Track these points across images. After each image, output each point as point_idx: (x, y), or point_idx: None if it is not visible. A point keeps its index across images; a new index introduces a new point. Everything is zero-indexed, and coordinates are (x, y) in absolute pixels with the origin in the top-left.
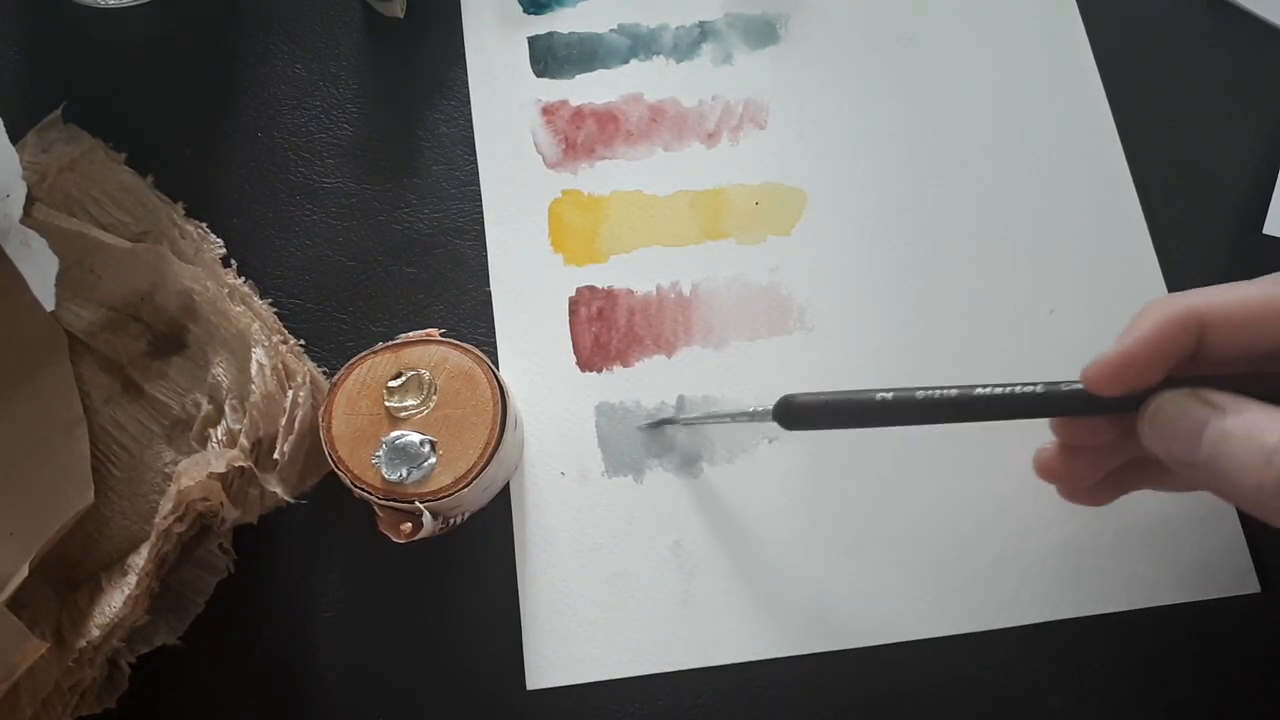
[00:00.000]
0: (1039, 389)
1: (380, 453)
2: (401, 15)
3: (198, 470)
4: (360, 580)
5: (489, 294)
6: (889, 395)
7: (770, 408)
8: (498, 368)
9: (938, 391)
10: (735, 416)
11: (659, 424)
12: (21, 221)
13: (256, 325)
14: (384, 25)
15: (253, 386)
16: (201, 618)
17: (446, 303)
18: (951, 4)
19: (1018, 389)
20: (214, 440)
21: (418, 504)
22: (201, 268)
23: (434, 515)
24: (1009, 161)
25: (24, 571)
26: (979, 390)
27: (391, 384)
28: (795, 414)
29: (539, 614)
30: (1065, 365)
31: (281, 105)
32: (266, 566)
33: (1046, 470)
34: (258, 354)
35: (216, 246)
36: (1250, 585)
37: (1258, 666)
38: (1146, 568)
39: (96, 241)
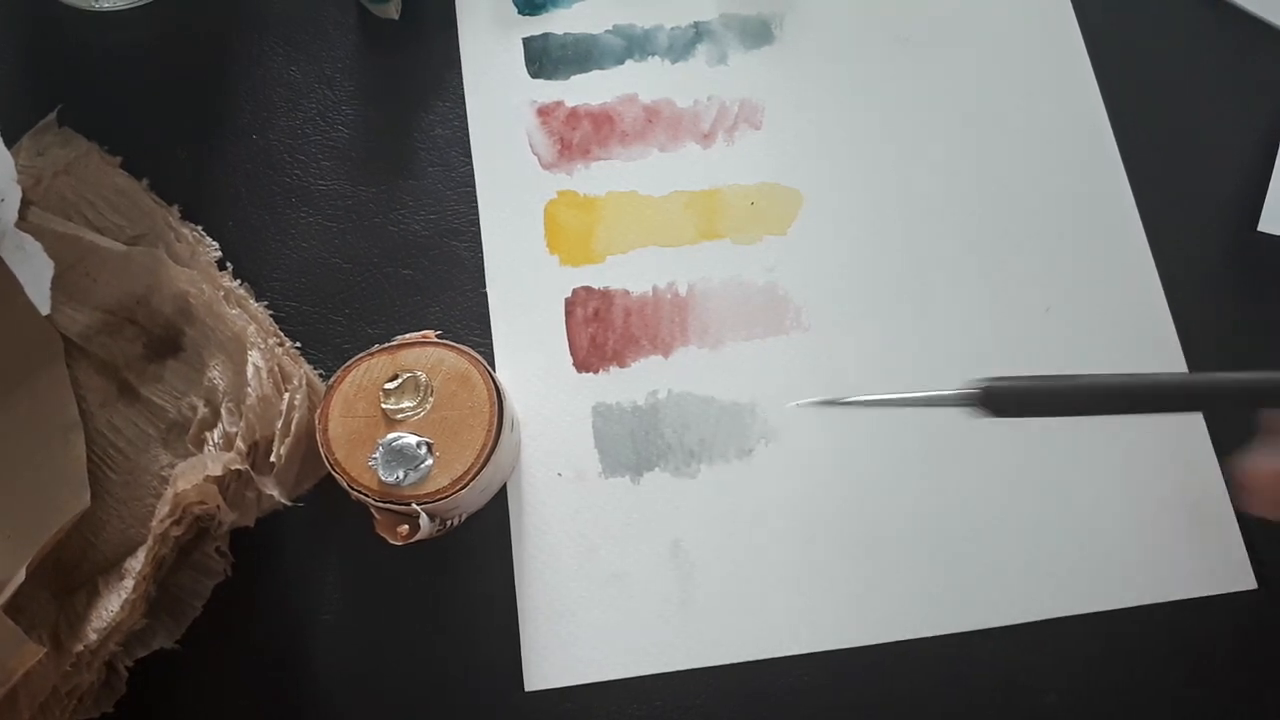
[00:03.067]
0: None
1: (377, 455)
2: (397, 17)
3: (194, 474)
4: (358, 583)
5: (485, 295)
6: (1114, 381)
7: (965, 392)
8: (494, 369)
9: (1166, 377)
10: (922, 400)
11: (824, 403)
12: (17, 225)
13: (252, 328)
14: (379, 27)
15: (249, 390)
16: (199, 621)
17: (443, 304)
18: (946, 5)
19: (1259, 377)
20: (210, 443)
21: (415, 506)
22: (197, 271)
23: (431, 517)
24: (1004, 159)
25: (20, 575)
26: (1218, 376)
27: (388, 386)
28: (1003, 400)
29: (537, 615)
30: (1062, 363)
31: (276, 108)
32: (264, 570)
33: (1260, 480)
34: (253, 357)
35: (212, 249)
36: (1247, 582)
37: (1255, 663)
38: (1144, 565)
39: (91, 245)
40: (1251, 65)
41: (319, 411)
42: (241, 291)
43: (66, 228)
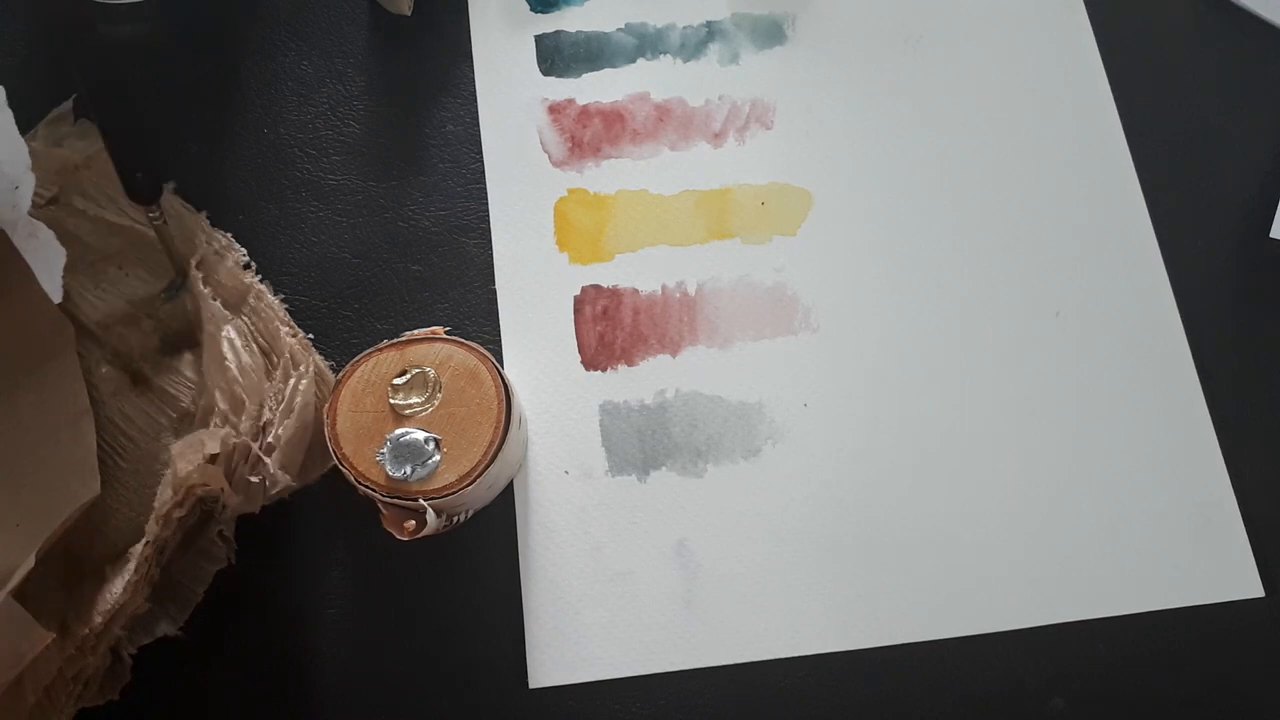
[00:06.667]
0: None
1: (385, 450)
2: (409, 13)
3: (193, 452)
4: (363, 578)
5: (494, 292)
6: None
7: None
8: (502, 366)
9: None
10: None
11: None
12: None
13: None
14: (391, 23)
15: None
16: (205, 613)
17: (452, 300)
18: (959, 6)
19: None
20: (213, 425)
21: (421, 501)
22: (223, 273)
23: (438, 513)
24: (1015, 163)
25: (30, 561)
26: None
27: (396, 381)
28: None
29: (542, 612)
30: (1071, 367)
31: (288, 102)
32: (270, 564)
33: None
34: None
35: (240, 254)
36: (1254, 589)
37: (1262, 670)
38: (1151, 572)
39: (141, 235)
40: (1265, 73)
41: (327, 406)
42: (261, 287)
43: (117, 217)
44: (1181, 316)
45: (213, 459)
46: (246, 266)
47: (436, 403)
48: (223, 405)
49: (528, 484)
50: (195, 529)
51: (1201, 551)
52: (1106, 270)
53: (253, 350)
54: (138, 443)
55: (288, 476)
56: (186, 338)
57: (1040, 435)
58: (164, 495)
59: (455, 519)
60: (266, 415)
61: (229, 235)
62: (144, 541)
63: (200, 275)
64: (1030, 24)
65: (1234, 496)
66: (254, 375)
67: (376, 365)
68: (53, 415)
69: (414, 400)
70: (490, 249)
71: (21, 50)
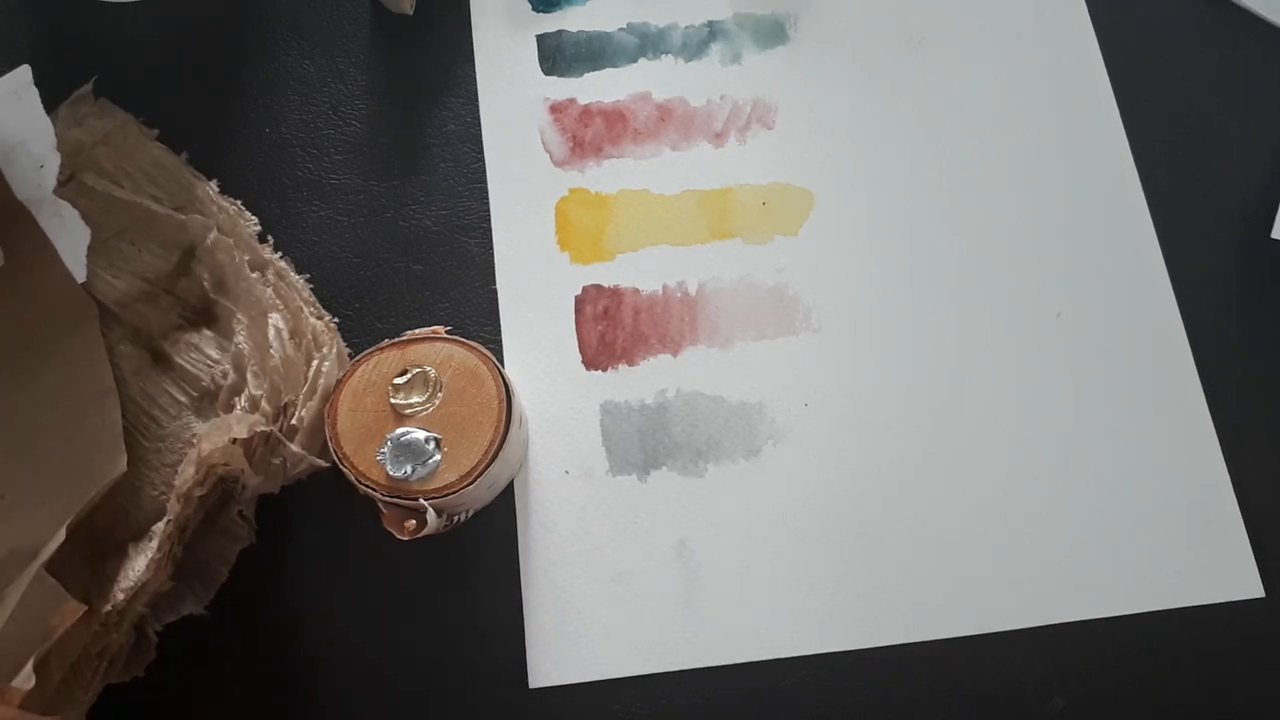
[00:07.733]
0: None
1: (385, 449)
2: (410, 12)
3: (219, 435)
4: (363, 577)
5: (495, 292)
6: None
7: None
8: (503, 365)
9: None
10: None
11: None
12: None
13: (269, 292)
14: (393, 22)
15: (271, 351)
16: (232, 594)
17: (453, 300)
18: (960, 7)
19: None
20: (239, 408)
21: (422, 501)
22: (234, 240)
23: (438, 513)
24: (1017, 164)
25: (61, 535)
26: None
27: (397, 381)
28: None
29: (542, 612)
30: (1072, 368)
31: (289, 101)
32: (270, 563)
33: None
34: (274, 319)
35: (252, 223)
36: (1254, 590)
37: (1262, 670)
38: (1151, 571)
39: (148, 211)
40: (1267, 73)
41: (328, 406)
42: (283, 264)
43: (123, 193)
44: (1182, 316)
45: (234, 440)
46: (263, 240)
47: (437, 402)
48: (256, 391)
49: (528, 484)
50: (216, 508)
51: (1202, 551)
52: (1107, 271)
53: (301, 342)
54: (160, 422)
55: (310, 456)
56: (204, 313)
57: (1041, 435)
58: (186, 474)
59: (456, 518)
60: (287, 396)
61: (239, 203)
62: (166, 520)
63: (232, 242)
64: (1032, 25)
65: (1234, 496)
66: (295, 368)
67: (377, 364)
68: (78, 393)
69: (414, 400)
70: (491, 248)
71: (23, 54)
